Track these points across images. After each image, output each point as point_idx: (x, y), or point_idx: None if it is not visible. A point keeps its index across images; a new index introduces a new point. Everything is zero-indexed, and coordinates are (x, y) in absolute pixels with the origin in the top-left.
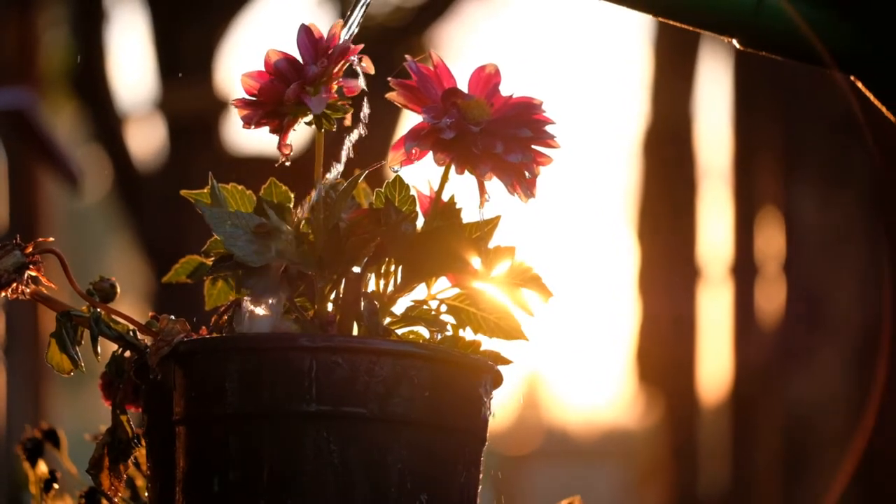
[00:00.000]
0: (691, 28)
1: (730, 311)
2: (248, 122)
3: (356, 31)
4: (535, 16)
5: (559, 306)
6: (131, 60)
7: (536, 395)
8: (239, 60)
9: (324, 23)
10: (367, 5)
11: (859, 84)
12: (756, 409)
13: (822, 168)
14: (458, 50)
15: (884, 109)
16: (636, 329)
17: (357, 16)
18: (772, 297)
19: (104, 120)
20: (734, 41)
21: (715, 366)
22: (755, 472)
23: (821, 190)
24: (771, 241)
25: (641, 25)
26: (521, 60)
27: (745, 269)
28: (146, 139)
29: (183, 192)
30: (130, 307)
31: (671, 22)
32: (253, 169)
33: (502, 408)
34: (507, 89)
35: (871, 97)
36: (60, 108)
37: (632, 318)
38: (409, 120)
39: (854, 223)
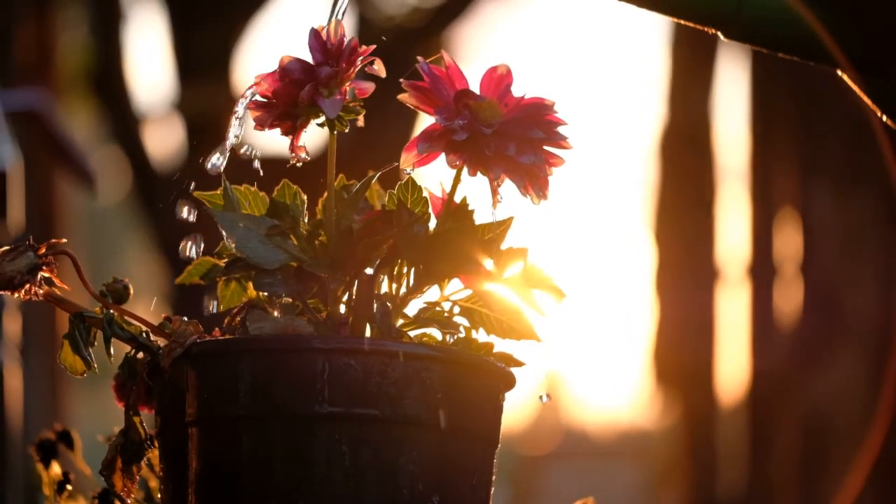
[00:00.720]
0: (675, 20)
1: (747, 312)
2: (260, 124)
3: (338, 23)
4: (554, 16)
5: (577, 307)
6: (149, 61)
7: (555, 396)
8: (256, 60)
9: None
10: (347, 3)
11: (846, 78)
12: (774, 410)
13: (840, 169)
14: (477, 50)
15: (868, 102)
16: (654, 330)
17: (339, 11)
18: (790, 299)
19: (122, 120)
20: (718, 33)
21: (733, 367)
22: (773, 472)
23: (839, 191)
24: (789, 242)
25: (660, 26)
26: (539, 61)
27: (762, 270)
28: (164, 139)
29: (195, 194)
30: (148, 308)
31: (656, 13)
32: (271, 170)
33: (521, 408)
34: (520, 90)
35: (857, 90)
36: (78, 108)
37: (649, 319)
38: (425, 120)
39: (872, 224)
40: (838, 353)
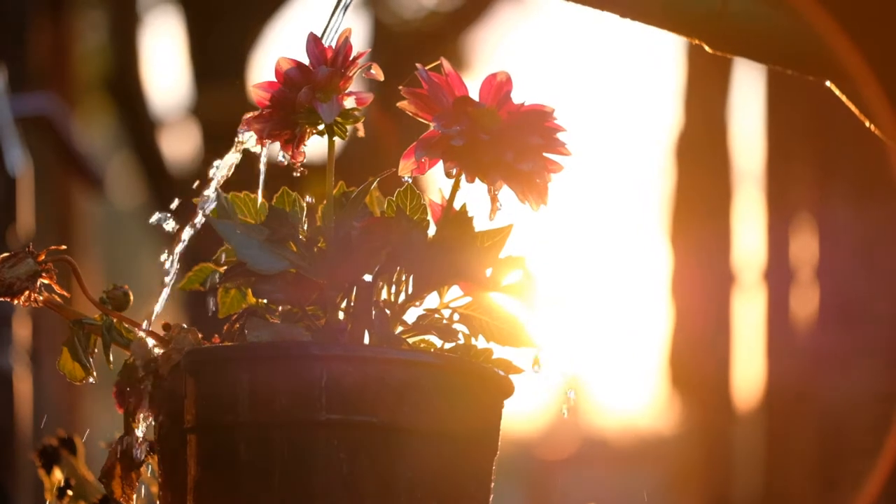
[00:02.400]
0: (660, 29)
1: (763, 317)
2: (260, 136)
3: (336, 34)
4: (569, 20)
5: (593, 312)
6: (165, 65)
7: (573, 401)
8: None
9: (357, 28)
10: (347, 8)
11: (833, 87)
12: (790, 416)
13: (857, 173)
14: (493, 55)
15: (856, 112)
16: (669, 335)
17: (337, 19)
18: (806, 303)
19: (138, 125)
20: (704, 44)
21: (748, 372)
22: (788, 479)
23: (855, 195)
24: (805, 247)
25: None
26: (554, 65)
27: (779, 276)
28: (180, 144)
29: (194, 201)
30: (165, 312)
31: (639, 23)
32: (289, 174)
33: (539, 412)
34: (520, 97)
35: (845, 100)
36: (94, 113)
37: (665, 324)
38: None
39: (889, 229)
40: (855, 359)
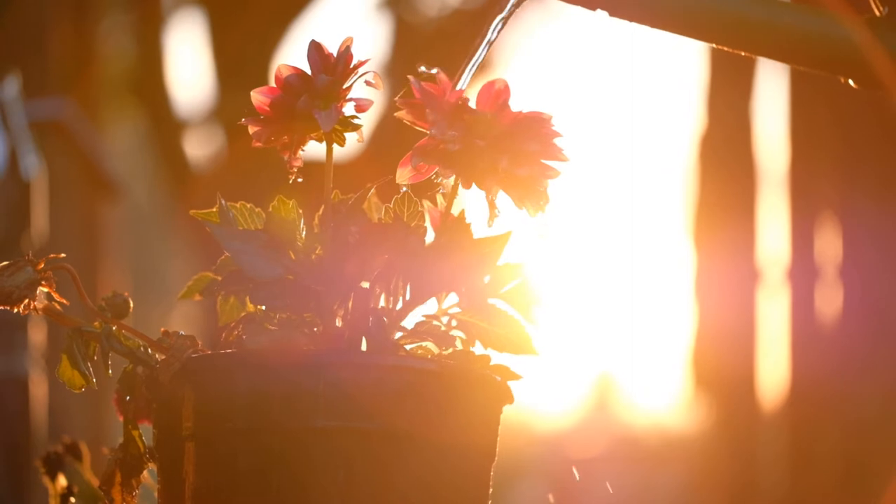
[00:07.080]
0: (804, 68)
1: (788, 315)
2: (258, 140)
3: (467, 80)
4: (593, 21)
5: (621, 311)
6: (189, 68)
7: (606, 399)
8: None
9: (379, 29)
10: (479, 61)
11: None
12: (815, 416)
13: (881, 171)
14: (516, 53)
15: None
16: (695, 333)
17: (471, 66)
18: (831, 301)
19: (162, 127)
20: (850, 81)
21: (774, 370)
22: (814, 476)
23: (880, 193)
24: (830, 244)
25: None
26: (578, 64)
27: (803, 273)
28: (204, 146)
29: (192, 213)
30: (185, 316)
31: (783, 62)
32: (310, 175)
33: (569, 411)
34: (519, 104)
35: None
36: (116, 115)
37: (690, 322)
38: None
39: None
40: (880, 358)
